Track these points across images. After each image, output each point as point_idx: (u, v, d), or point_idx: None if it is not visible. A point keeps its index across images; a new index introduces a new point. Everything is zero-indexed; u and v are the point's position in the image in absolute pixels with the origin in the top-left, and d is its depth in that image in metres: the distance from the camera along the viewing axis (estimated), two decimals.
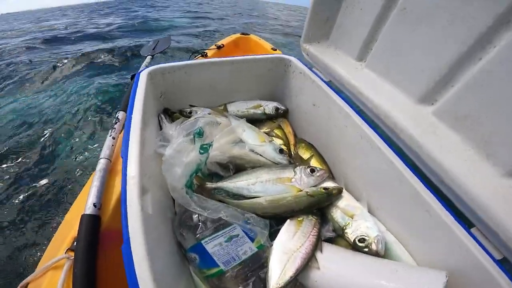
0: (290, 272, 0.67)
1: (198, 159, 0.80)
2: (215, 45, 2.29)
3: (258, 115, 1.21)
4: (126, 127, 0.73)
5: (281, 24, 9.28)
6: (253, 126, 1.10)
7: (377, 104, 0.85)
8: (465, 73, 0.66)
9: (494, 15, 0.57)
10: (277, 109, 1.20)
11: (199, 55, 2.06)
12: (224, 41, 2.40)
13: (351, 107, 0.92)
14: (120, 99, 2.69)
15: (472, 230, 0.61)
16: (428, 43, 0.73)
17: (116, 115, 1.12)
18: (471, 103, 0.65)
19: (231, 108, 1.22)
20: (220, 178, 0.93)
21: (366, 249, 0.73)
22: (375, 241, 0.73)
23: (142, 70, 1.01)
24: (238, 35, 2.57)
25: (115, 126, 1.07)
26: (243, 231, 0.73)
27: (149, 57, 1.95)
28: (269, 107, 1.20)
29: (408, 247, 0.76)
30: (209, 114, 1.07)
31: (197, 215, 0.73)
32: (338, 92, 1.00)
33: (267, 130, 1.13)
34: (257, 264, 0.73)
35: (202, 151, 0.80)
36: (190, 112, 1.13)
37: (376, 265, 0.70)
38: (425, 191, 0.67)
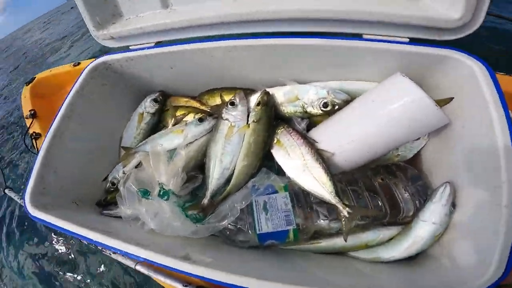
0: (324, 178, 0.75)
1: (173, 202, 0.77)
2: None
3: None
4: None
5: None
6: (162, 131, 1.03)
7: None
8: None
9: None
10: (155, 100, 1.10)
11: None
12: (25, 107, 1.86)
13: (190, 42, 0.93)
14: None
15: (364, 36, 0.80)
16: None
17: None
18: None
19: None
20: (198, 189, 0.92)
21: (336, 107, 0.84)
22: (332, 96, 0.83)
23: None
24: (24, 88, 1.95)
25: None
26: (262, 195, 0.79)
27: (7, 190, 1.53)
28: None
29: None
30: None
31: (228, 226, 0.77)
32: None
33: (173, 121, 1.07)
34: (302, 198, 0.81)
35: (165, 197, 0.75)
36: (113, 184, 1.01)
37: (356, 109, 0.82)
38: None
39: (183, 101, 1.12)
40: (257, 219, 0.77)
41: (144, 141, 1.03)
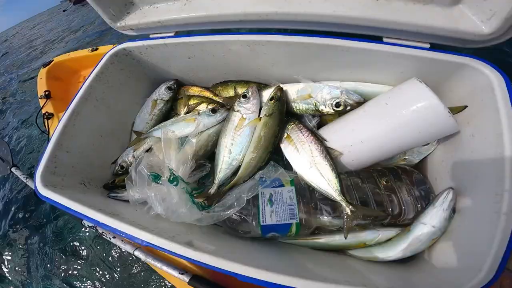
0: (330, 175, 0.76)
1: (182, 188, 0.78)
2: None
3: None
4: None
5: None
6: (175, 118, 1.05)
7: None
8: None
9: None
10: (170, 88, 1.12)
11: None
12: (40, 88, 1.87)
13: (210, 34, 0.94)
14: None
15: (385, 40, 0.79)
16: None
17: None
18: None
19: None
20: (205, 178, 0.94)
21: (348, 107, 0.85)
22: (345, 96, 0.84)
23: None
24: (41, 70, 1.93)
25: None
26: (269, 187, 0.80)
27: (14, 168, 1.48)
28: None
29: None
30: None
31: (233, 216, 0.78)
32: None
33: (185, 110, 1.08)
34: (307, 193, 0.81)
35: (174, 182, 0.76)
36: (122, 167, 1.03)
37: (369, 110, 0.82)
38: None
39: (196, 91, 1.14)
40: (262, 211, 0.78)
41: (156, 127, 1.05)
